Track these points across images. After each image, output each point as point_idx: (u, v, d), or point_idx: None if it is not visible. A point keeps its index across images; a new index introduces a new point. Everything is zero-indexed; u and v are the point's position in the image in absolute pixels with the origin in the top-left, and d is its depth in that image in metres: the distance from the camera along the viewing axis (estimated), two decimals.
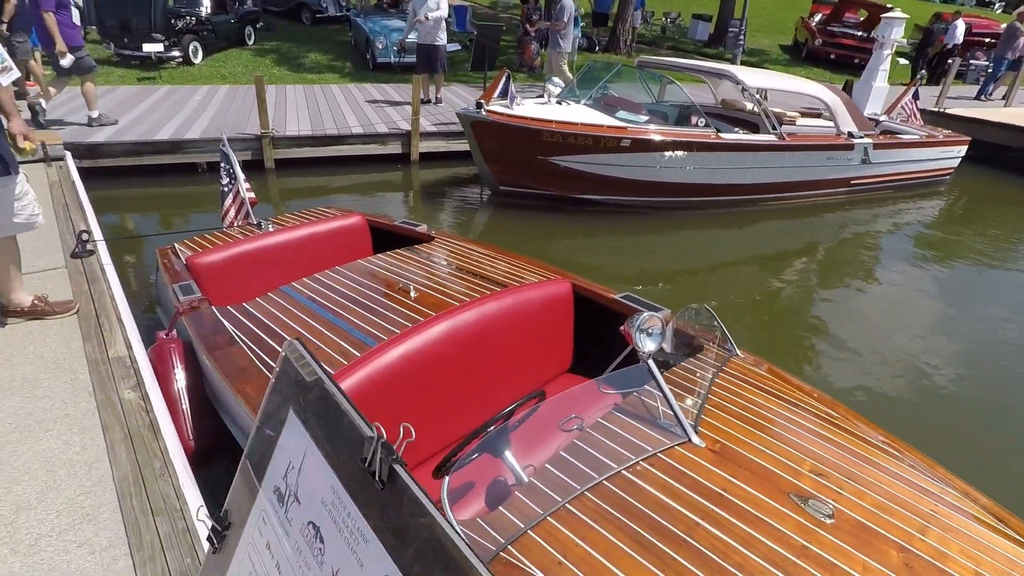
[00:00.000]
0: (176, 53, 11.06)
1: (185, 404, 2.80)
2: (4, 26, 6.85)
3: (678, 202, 6.67)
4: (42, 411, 2.43)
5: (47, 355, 2.79)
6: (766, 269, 5.76)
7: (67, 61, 6.49)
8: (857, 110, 7.06)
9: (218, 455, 2.83)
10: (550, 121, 5.92)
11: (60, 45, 6.41)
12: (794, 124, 7.43)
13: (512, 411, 2.11)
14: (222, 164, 4.22)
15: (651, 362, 2.04)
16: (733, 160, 6.40)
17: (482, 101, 6.10)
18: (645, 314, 2.01)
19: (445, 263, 3.42)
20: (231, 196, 4.28)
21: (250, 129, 7.24)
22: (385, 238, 4.33)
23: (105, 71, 10.52)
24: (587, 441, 2.00)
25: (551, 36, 9.95)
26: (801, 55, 18.27)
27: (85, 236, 3.99)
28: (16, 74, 2.82)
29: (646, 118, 6.23)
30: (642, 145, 5.98)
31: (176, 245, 3.82)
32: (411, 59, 12.16)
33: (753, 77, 6.44)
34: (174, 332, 3.01)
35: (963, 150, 8.27)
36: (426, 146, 7.78)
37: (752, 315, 4.93)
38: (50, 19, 6.33)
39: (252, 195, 4.36)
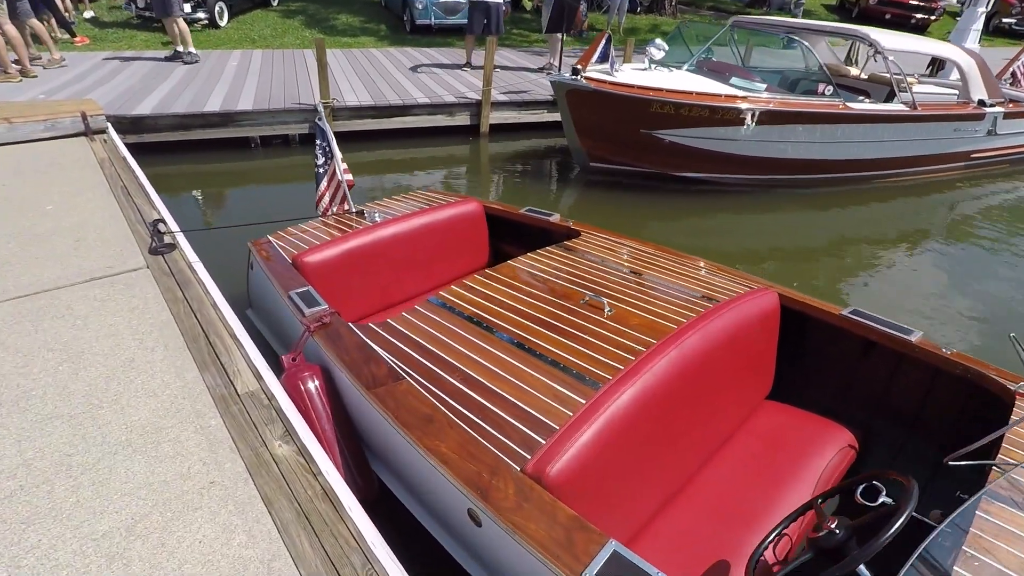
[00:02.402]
0: (202, 15, 10.19)
1: (339, 454, 2.20)
2: None
3: (787, 180, 5.96)
4: (180, 478, 1.82)
5: (160, 392, 2.17)
6: (883, 253, 5.06)
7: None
8: (991, 75, 6.29)
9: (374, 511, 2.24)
10: (661, 90, 5.19)
11: None
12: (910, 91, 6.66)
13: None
14: (317, 141, 3.55)
15: None
16: (856, 133, 5.68)
17: (579, 67, 5.35)
18: None
19: (620, 267, 2.77)
20: (326, 178, 3.61)
21: (303, 98, 6.50)
22: (502, 229, 3.69)
23: (127, 35, 9.69)
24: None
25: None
26: (851, 15, 17.22)
27: (162, 227, 3.34)
28: None
29: (764, 86, 5.49)
30: (765, 118, 5.25)
31: (270, 238, 3.19)
32: (451, 21, 11.33)
33: (888, 39, 5.66)
34: (301, 354, 2.40)
35: None
36: (496, 117, 7.04)
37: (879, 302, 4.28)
38: None
39: (350, 177, 3.69)
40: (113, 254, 3.12)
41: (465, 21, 11.17)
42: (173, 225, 3.52)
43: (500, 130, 7.14)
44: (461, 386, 1.98)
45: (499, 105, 6.99)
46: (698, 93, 5.19)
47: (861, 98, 5.93)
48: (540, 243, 3.59)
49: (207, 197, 5.38)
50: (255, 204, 5.23)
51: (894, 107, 5.73)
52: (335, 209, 3.64)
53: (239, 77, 7.30)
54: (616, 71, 5.43)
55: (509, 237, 3.75)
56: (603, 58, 5.53)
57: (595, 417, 1.77)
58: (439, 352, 2.16)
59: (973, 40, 9.44)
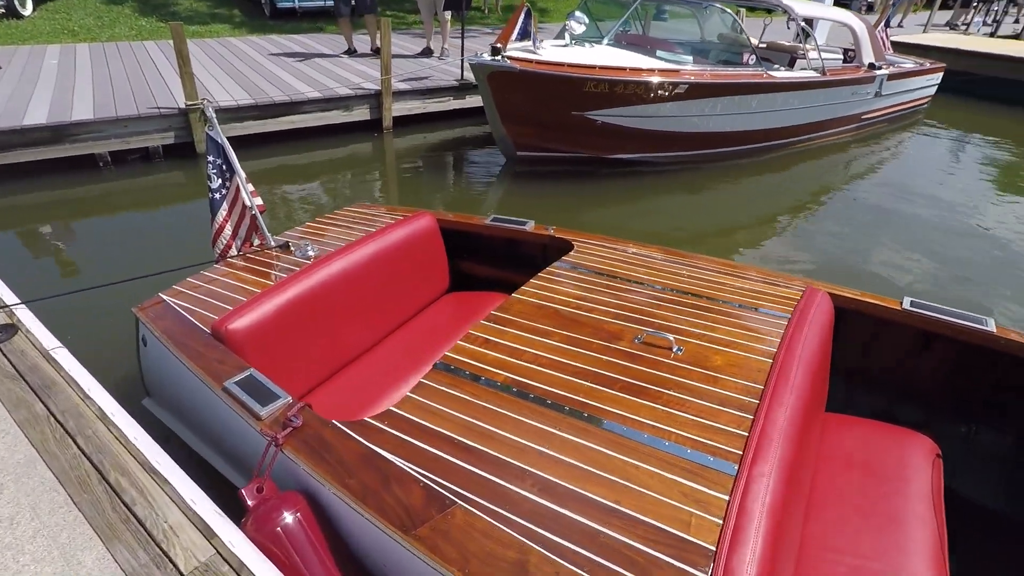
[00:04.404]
0: None
1: None
2: None
3: (716, 154, 5.84)
4: None
5: None
6: (814, 216, 5.09)
7: None
8: (879, 40, 6.59)
9: None
10: (593, 67, 4.74)
11: None
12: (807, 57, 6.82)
13: None
14: (209, 157, 2.70)
15: None
16: (776, 102, 5.65)
17: (498, 45, 4.75)
18: None
19: (650, 284, 2.29)
20: (226, 205, 2.77)
21: (160, 100, 5.27)
22: (462, 244, 3.07)
23: None
24: None
25: None
26: None
27: None
28: None
29: (690, 58, 5.25)
30: (699, 91, 5.01)
31: (164, 298, 2.33)
32: (317, 3, 10.17)
33: (801, 6, 5.65)
34: (269, 480, 1.65)
35: (939, 77, 8.24)
36: (399, 108, 6.23)
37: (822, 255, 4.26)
38: None
39: (260, 201, 2.88)
40: None
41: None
42: (8, 295, 2.48)
43: (405, 123, 6.35)
44: (543, 501, 1.38)
45: (401, 95, 6.19)
46: (631, 69, 4.82)
47: (777, 66, 5.93)
48: (514, 259, 3.01)
49: (48, 243, 4.09)
50: (122, 245, 4.06)
51: (808, 74, 5.78)
52: (241, 245, 2.80)
53: (65, 79, 5.81)
54: (539, 49, 4.90)
55: (472, 253, 3.12)
56: (523, 35, 4.98)
57: (752, 518, 1.27)
58: (487, 449, 1.53)
59: (829, 4, 10.07)
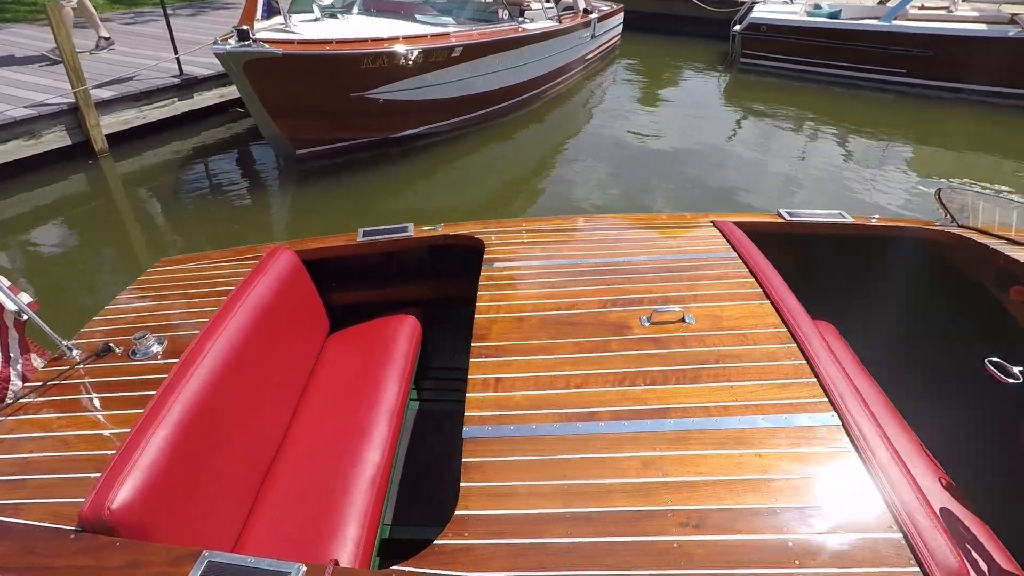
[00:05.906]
0: None
1: None
2: None
3: (487, 114, 5.90)
4: None
5: None
6: (589, 154, 5.64)
7: None
8: None
9: None
10: (365, 41, 4.26)
11: None
12: (531, 8, 7.24)
13: None
14: None
15: None
16: (531, 53, 5.90)
17: (245, 27, 3.93)
18: None
19: (600, 261, 2.21)
20: None
21: None
22: (328, 273, 2.57)
23: None
24: None
25: None
26: None
27: None
28: None
29: (451, 19, 5.10)
30: (472, 52, 4.92)
31: None
32: None
33: None
34: None
35: (622, 16, 9.57)
36: (111, 123, 4.79)
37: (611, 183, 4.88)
38: None
39: (28, 298, 2.00)
40: None
41: None
42: None
43: (126, 140, 4.94)
44: (708, 537, 1.20)
45: (107, 105, 4.76)
46: (404, 38, 4.48)
47: (521, 19, 6.14)
48: (401, 272, 2.65)
49: None
50: None
51: (548, 24, 6.13)
52: (24, 371, 1.93)
53: None
54: (292, 27, 4.22)
55: (344, 280, 2.64)
56: (269, 12, 4.21)
57: (887, 452, 1.34)
58: (607, 508, 1.26)
59: None
